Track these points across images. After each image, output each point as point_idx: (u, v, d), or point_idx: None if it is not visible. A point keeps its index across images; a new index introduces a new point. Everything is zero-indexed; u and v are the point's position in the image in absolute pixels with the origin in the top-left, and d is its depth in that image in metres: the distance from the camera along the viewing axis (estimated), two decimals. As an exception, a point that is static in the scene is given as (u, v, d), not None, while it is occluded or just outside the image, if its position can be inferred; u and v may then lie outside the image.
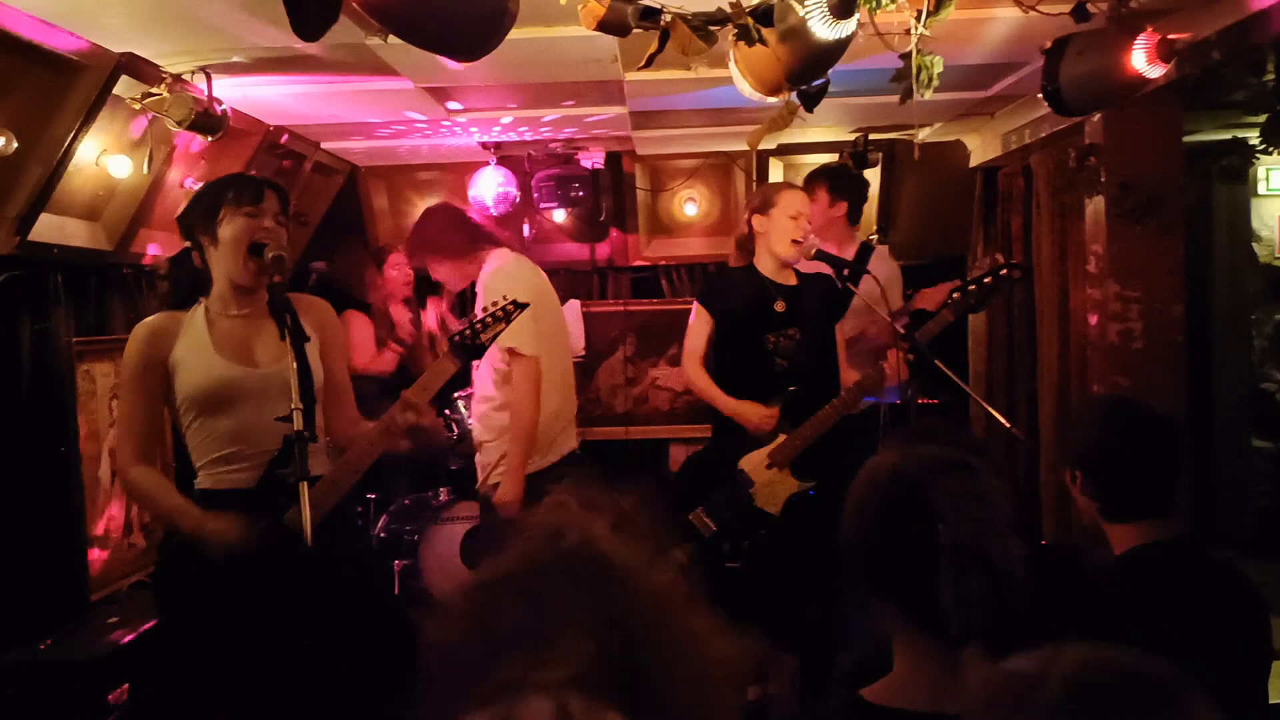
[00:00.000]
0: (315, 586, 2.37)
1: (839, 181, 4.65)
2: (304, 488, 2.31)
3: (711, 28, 2.31)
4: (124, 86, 3.34)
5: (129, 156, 3.58)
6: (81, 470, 3.73)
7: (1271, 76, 3.72)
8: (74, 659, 3.39)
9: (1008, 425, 3.65)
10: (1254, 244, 5.74)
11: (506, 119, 4.82)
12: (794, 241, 3.71)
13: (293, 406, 2.37)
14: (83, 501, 3.73)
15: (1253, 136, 4.24)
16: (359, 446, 2.74)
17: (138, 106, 3.40)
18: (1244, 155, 4.47)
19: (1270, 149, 3.99)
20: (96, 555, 3.81)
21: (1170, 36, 2.83)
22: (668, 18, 2.25)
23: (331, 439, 2.87)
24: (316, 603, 2.42)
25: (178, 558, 2.65)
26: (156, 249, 4.06)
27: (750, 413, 3.68)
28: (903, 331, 3.63)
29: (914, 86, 2.49)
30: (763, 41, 2.37)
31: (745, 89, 2.64)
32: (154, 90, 3.39)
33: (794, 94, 2.74)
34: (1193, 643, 1.88)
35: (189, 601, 2.62)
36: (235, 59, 3.44)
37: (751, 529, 3.68)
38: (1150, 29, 2.85)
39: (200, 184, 3.94)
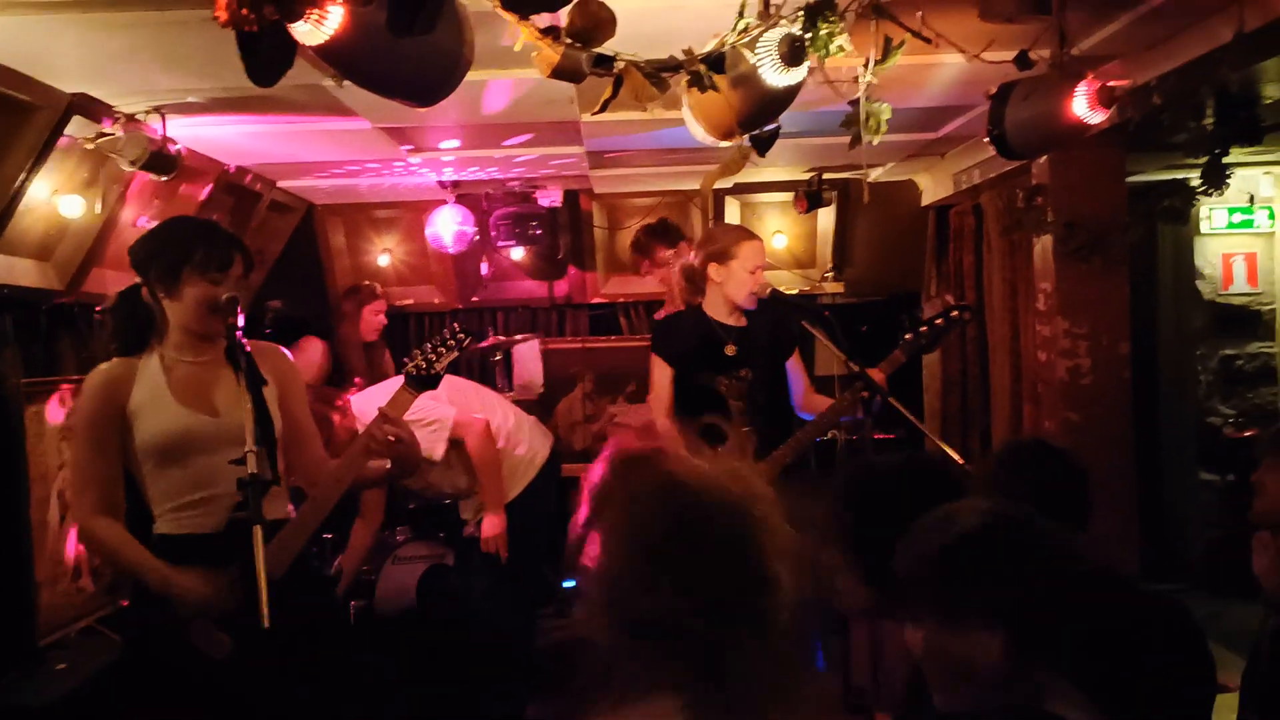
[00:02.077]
0: (281, 638, 2.33)
1: (672, 235, 5.10)
2: (258, 532, 2.30)
3: (664, 74, 2.34)
4: (76, 126, 3.32)
5: (81, 196, 3.56)
6: (29, 513, 3.67)
7: (1210, 120, 3.82)
8: (22, 704, 3.31)
9: (961, 462, 3.69)
10: (1198, 281, 5.87)
11: (464, 158, 4.85)
12: (751, 293, 3.74)
13: (246, 449, 2.36)
14: (30, 545, 3.66)
15: (1194, 178, 4.34)
16: (333, 473, 2.73)
17: (90, 147, 3.39)
18: (1185, 196, 4.57)
19: (1209, 191, 4.09)
20: (45, 599, 3.73)
21: (1110, 83, 2.91)
22: (621, 65, 2.28)
23: (299, 481, 2.85)
24: (282, 655, 2.40)
25: (148, 607, 2.61)
26: (107, 288, 4.03)
27: None
28: (858, 369, 3.67)
29: (861, 132, 2.54)
30: (714, 88, 2.41)
31: (698, 133, 2.68)
32: (107, 130, 3.38)
33: (746, 138, 2.78)
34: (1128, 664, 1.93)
35: (158, 649, 2.59)
36: (190, 99, 3.43)
37: None
38: (1091, 76, 2.93)
39: (154, 223, 3.93)
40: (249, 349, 2.55)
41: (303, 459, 2.82)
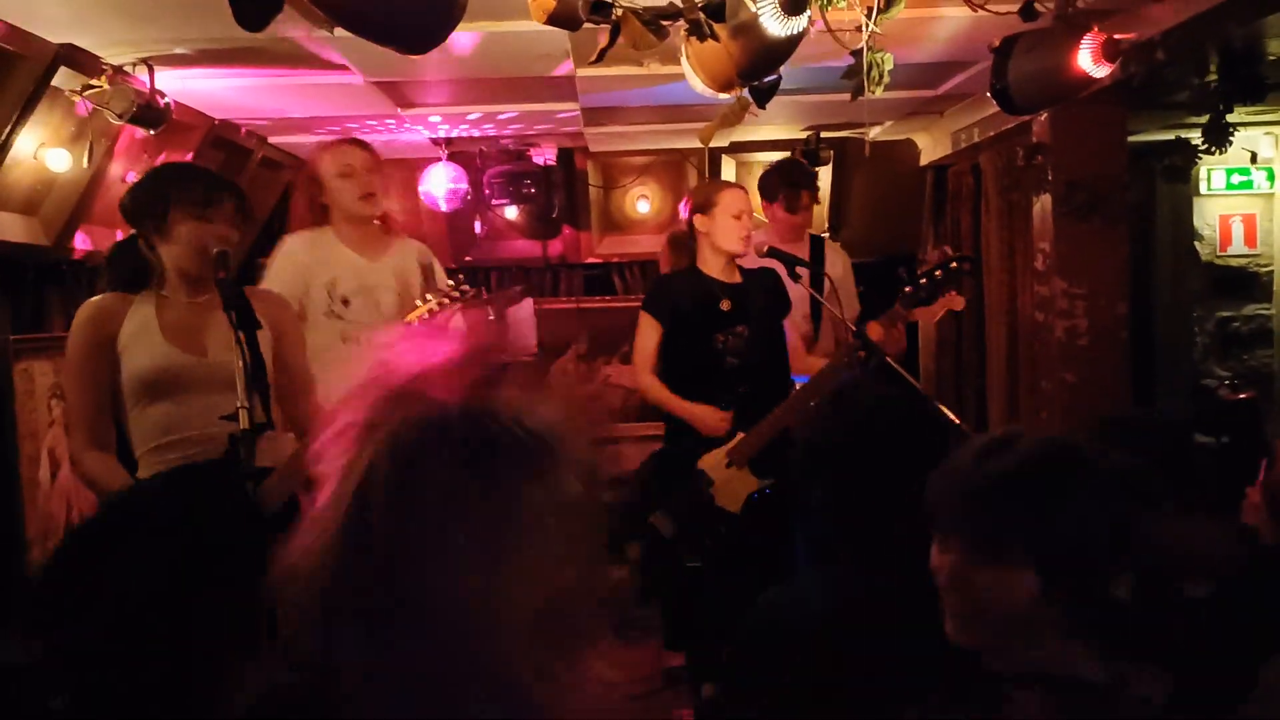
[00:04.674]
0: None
1: (803, 179, 4.65)
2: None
3: (663, 22, 2.30)
4: (63, 78, 3.26)
5: (68, 150, 3.50)
6: (20, 470, 3.64)
7: (1214, 77, 3.78)
8: (14, 662, 3.30)
9: (957, 421, 3.67)
10: (1196, 242, 5.84)
11: (458, 115, 4.78)
12: (740, 239, 3.70)
13: (239, 405, 2.33)
14: (21, 502, 3.64)
15: (1195, 137, 4.32)
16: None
17: (77, 99, 3.33)
18: (1187, 155, 4.55)
19: (1212, 149, 4.06)
20: (36, 557, 3.71)
21: (1116, 36, 2.86)
22: (619, 12, 2.23)
23: (293, 431, 2.82)
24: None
25: None
26: (95, 243, 3.97)
27: (705, 416, 3.67)
28: (854, 328, 3.64)
29: (865, 83, 2.50)
30: (714, 37, 2.37)
31: (697, 85, 2.63)
32: (94, 82, 3.32)
33: (746, 90, 2.74)
34: None
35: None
36: (178, 50, 3.37)
37: (711, 527, 3.67)
38: (1096, 28, 2.88)
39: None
40: (246, 293, 2.51)
41: (298, 409, 2.80)
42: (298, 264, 3.41)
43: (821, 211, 6.13)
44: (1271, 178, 5.74)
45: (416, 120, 4.81)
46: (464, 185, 5.56)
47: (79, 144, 3.57)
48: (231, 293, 2.45)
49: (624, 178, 6.08)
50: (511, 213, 5.86)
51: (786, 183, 4.62)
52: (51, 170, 3.50)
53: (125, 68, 3.39)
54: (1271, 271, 5.84)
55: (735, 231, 3.68)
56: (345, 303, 3.44)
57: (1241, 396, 5.55)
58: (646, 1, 2.36)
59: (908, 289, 3.63)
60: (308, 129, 4.86)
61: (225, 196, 2.62)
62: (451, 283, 2.84)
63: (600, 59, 2.31)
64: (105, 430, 2.63)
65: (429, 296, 2.81)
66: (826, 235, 5.75)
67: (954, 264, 3.66)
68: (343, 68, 3.66)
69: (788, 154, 5.44)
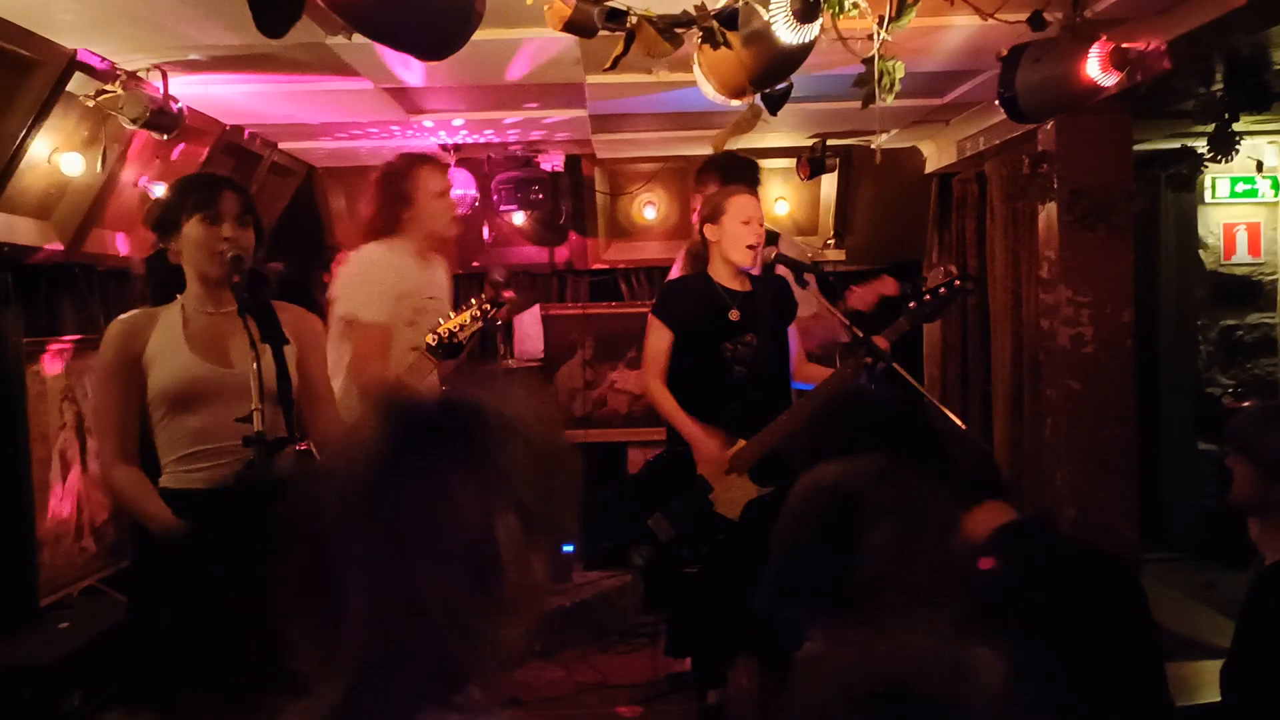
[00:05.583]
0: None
1: (731, 171, 4.46)
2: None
3: (677, 30, 2.32)
4: (78, 84, 3.29)
5: (82, 154, 3.53)
6: (31, 473, 3.66)
7: (1220, 87, 3.80)
8: (24, 664, 3.32)
9: (963, 427, 3.69)
10: (1200, 251, 5.86)
11: (466, 121, 4.81)
12: (749, 247, 3.72)
13: (253, 407, 2.36)
14: (32, 504, 3.66)
15: (1201, 146, 4.33)
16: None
17: (91, 104, 3.36)
18: (1192, 164, 4.56)
19: (1217, 158, 4.07)
20: (46, 559, 3.74)
21: (1123, 45, 2.88)
22: (633, 19, 2.26)
23: (313, 441, 2.83)
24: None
25: (157, 551, 2.61)
26: (108, 247, 4.00)
27: (705, 448, 3.69)
28: (861, 335, 3.66)
29: (876, 91, 2.52)
30: (727, 44, 2.39)
31: (709, 92, 2.65)
32: (108, 88, 3.35)
33: (757, 97, 2.76)
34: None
35: (166, 590, 2.58)
36: (192, 56, 3.40)
37: (710, 534, 3.69)
38: (1104, 37, 2.91)
39: (154, 183, 3.92)
40: (272, 307, 2.54)
41: (320, 419, 2.82)
42: (392, 268, 3.55)
43: (827, 218, 6.16)
44: (1276, 186, 5.76)
45: (424, 127, 4.84)
46: (472, 191, 5.59)
47: (93, 149, 3.60)
48: (246, 299, 2.48)
49: (631, 184, 6.10)
50: (519, 218, 5.88)
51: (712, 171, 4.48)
52: (65, 174, 3.53)
53: (139, 73, 3.42)
54: (1275, 280, 5.86)
55: (744, 238, 3.69)
56: (416, 311, 3.55)
57: (1245, 405, 5.57)
58: (660, 9, 2.38)
59: (912, 304, 3.69)
60: (317, 135, 4.88)
61: (227, 194, 2.64)
62: (475, 299, 2.87)
63: (614, 66, 2.33)
64: (134, 444, 2.66)
65: (461, 308, 2.84)
66: (832, 242, 5.79)
67: (957, 282, 3.72)
68: (354, 73, 3.69)
69: (794, 161, 5.46)
